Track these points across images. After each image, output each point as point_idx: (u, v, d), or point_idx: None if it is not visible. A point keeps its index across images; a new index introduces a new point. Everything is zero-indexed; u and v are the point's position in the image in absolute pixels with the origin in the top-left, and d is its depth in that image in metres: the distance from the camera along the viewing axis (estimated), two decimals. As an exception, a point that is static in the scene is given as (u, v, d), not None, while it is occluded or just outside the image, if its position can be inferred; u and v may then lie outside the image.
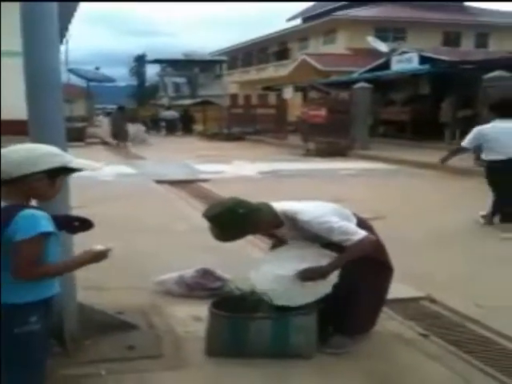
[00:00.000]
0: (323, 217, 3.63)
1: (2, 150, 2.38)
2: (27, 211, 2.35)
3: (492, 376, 3.50)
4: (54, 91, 3.57)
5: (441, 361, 3.68)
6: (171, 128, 36.37)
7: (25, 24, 3.46)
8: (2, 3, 15.51)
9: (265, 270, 3.78)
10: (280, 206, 3.74)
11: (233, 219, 3.54)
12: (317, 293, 3.65)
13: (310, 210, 3.70)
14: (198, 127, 36.83)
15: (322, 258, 3.65)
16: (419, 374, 3.53)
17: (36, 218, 2.35)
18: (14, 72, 14.51)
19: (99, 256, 2.57)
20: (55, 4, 3.53)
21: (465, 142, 8.02)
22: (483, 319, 4.38)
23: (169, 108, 42.03)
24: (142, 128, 28.60)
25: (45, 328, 2.53)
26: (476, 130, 7.95)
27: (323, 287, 3.64)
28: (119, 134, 25.05)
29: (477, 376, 3.52)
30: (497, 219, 7.96)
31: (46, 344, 2.60)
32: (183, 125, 37.03)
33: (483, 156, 8.01)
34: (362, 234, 3.62)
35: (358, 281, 3.69)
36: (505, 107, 7.96)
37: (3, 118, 19.22)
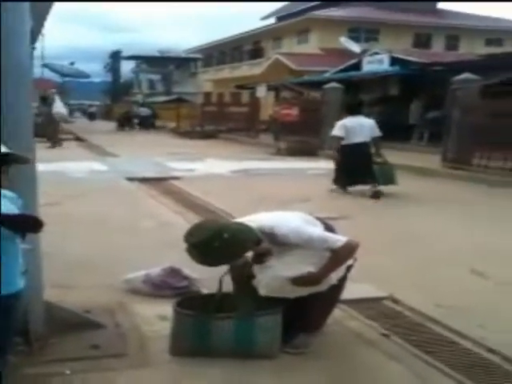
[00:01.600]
0: (300, 228, 3.67)
1: None
2: None
3: (450, 376, 3.58)
4: (22, 87, 3.58)
5: (401, 361, 3.76)
6: (145, 124, 36.89)
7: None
8: None
9: (269, 270, 3.73)
10: (253, 223, 3.70)
11: (218, 246, 3.43)
12: (311, 289, 3.70)
13: (285, 222, 3.71)
14: (168, 124, 36.97)
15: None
16: (379, 374, 3.60)
17: None
18: None
19: None
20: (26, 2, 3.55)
21: (335, 133, 10.86)
22: (443, 319, 4.48)
23: (142, 105, 42.16)
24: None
25: None
26: (340, 123, 10.85)
27: (320, 285, 3.70)
28: (47, 132, 20.90)
29: (435, 376, 3.60)
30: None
31: None
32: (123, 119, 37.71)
33: (341, 142, 10.72)
34: (342, 240, 3.67)
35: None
36: (351, 108, 11.17)
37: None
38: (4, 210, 2.53)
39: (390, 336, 4.15)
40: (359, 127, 10.67)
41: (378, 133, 10.91)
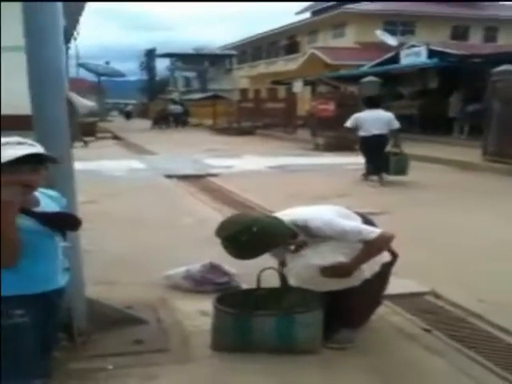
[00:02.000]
0: (333, 220, 3.67)
1: None
2: None
3: (493, 371, 3.55)
4: (57, 87, 3.61)
5: (443, 356, 3.72)
6: (176, 122, 37.59)
7: (26, 18, 3.49)
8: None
9: (301, 259, 3.72)
10: (287, 216, 3.72)
11: (248, 240, 3.49)
12: (344, 283, 3.69)
13: (318, 215, 3.72)
14: (205, 121, 37.13)
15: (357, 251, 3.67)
16: (421, 369, 3.57)
17: None
18: (18, 66, 14.61)
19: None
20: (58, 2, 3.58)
21: (347, 124, 11.85)
22: (486, 314, 4.42)
23: (175, 103, 42.51)
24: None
25: (34, 322, 2.56)
26: (353, 116, 11.78)
27: (351, 280, 3.68)
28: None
29: (478, 371, 3.56)
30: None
31: (39, 338, 2.62)
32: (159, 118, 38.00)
33: (358, 133, 11.74)
34: (376, 231, 3.66)
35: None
36: (369, 102, 12.03)
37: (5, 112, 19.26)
38: (46, 209, 2.58)
39: (431, 331, 4.12)
40: (374, 120, 11.39)
41: (396, 125, 11.53)
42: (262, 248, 3.61)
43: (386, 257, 3.82)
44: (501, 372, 3.54)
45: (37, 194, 2.63)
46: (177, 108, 39.51)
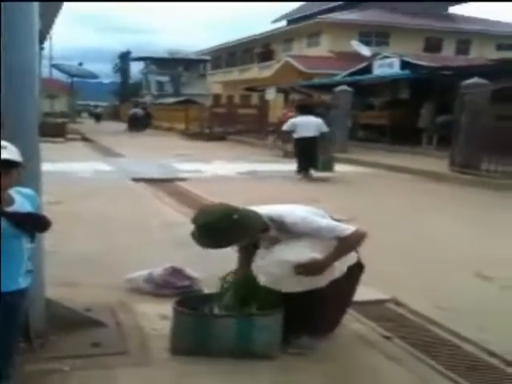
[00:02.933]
0: (308, 217, 3.70)
1: None
2: None
3: (451, 379, 3.58)
4: (28, 87, 3.60)
5: (401, 363, 3.75)
6: (136, 125, 36.89)
7: (3, 17, 3.44)
8: None
9: (273, 255, 3.70)
10: (263, 211, 3.73)
11: (228, 226, 3.48)
12: (310, 284, 3.67)
13: (293, 212, 3.75)
14: (169, 125, 37.06)
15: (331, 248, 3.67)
16: (379, 376, 3.59)
17: None
18: None
19: None
20: (35, 3, 3.56)
21: (284, 127, 14.25)
22: (444, 321, 4.47)
23: (136, 105, 42.61)
24: None
25: None
26: (290, 121, 14.25)
27: (319, 280, 3.67)
28: None
29: (437, 378, 3.59)
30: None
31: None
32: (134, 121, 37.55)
33: (293, 136, 13.80)
34: (350, 228, 3.69)
35: (335, 282, 3.73)
36: (301, 109, 14.99)
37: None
38: (19, 209, 2.56)
39: (392, 338, 4.14)
40: (307, 124, 13.59)
41: (325, 129, 13.78)
42: (238, 237, 3.61)
43: (353, 258, 3.84)
44: (458, 379, 3.57)
45: (12, 192, 2.63)
46: (137, 111, 39.28)
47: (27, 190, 2.82)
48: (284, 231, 3.70)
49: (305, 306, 3.74)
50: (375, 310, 4.73)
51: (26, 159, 3.50)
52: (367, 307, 4.71)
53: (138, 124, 36.73)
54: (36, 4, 3.60)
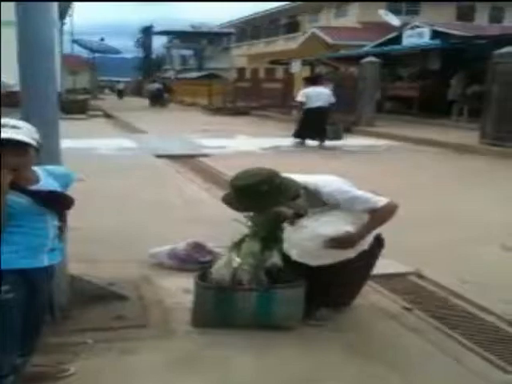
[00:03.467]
0: (343, 187, 3.70)
1: None
2: None
3: (471, 349, 3.58)
4: (46, 63, 3.59)
5: (421, 334, 3.76)
6: (154, 100, 36.69)
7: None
8: None
9: (305, 230, 3.71)
10: (298, 179, 3.74)
11: (267, 190, 3.50)
12: (339, 255, 3.68)
13: (329, 181, 3.75)
14: (191, 100, 36.84)
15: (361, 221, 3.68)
16: (398, 346, 3.60)
17: None
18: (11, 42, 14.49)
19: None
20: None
21: (298, 98, 14.66)
22: (467, 294, 4.45)
23: (154, 81, 42.34)
24: None
25: (20, 299, 2.60)
26: (302, 91, 14.61)
27: (348, 251, 3.68)
28: None
29: (454, 347, 3.60)
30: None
31: (25, 315, 2.66)
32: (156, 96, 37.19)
33: (305, 106, 14.21)
34: (383, 200, 3.69)
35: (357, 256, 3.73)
36: (310, 81, 15.39)
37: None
38: (45, 187, 2.62)
39: (412, 310, 4.14)
40: (318, 95, 14.15)
41: (332, 100, 14.48)
42: (275, 201, 3.61)
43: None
44: (478, 350, 3.58)
45: (39, 171, 2.69)
46: (153, 86, 38.89)
47: (58, 169, 2.89)
48: (315, 201, 3.70)
49: (332, 279, 3.73)
50: (397, 282, 4.74)
51: (44, 137, 3.54)
52: (389, 280, 4.74)
53: (159, 99, 36.45)
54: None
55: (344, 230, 3.61)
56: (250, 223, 3.91)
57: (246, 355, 3.43)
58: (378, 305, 4.20)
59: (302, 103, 14.41)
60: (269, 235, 3.82)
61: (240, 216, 3.92)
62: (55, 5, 22.79)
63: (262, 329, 3.66)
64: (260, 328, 3.67)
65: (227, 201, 3.68)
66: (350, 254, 3.69)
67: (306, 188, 3.70)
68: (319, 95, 14.17)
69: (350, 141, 16.15)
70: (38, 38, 3.52)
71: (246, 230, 3.91)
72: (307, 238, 3.66)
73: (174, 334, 3.68)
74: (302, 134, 14.65)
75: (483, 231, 6.45)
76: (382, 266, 4.66)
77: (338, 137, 14.42)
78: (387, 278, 4.73)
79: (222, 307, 3.70)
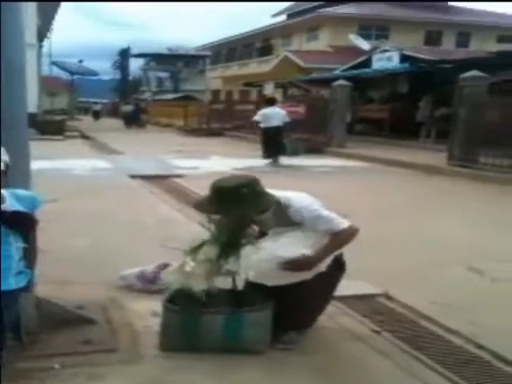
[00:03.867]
0: (313, 205, 3.73)
1: None
2: None
3: (437, 371, 3.59)
4: (18, 85, 3.61)
5: (389, 357, 3.76)
6: (128, 122, 37.17)
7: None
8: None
9: (264, 252, 3.70)
10: (273, 192, 3.78)
11: (248, 193, 3.56)
12: (294, 277, 3.68)
13: (301, 198, 3.78)
14: (167, 121, 36.99)
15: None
16: (365, 369, 3.60)
17: None
18: None
19: None
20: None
21: (255, 117, 15.95)
22: (436, 316, 4.48)
23: (128, 103, 42.91)
24: None
25: None
26: (260, 112, 15.78)
27: (303, 273, 3.68)
28: None
29: (422, 371, 3.60)
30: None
31: None
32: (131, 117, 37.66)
33: (261, 125, 15.57)
34: (346, 222, 3.72)
35: (314, 277, 3.73)
36: (268, 102, 16.33)
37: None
38: (8, 208, 2.60)
39: (380, 332, 4.16)
40: (274, 115, 15.37)
41: (287, 119, 15.54)
42: (249, 207, 3.63)
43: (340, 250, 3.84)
44: (447, 373, 3.58)
45: (4, 192, 2.66)
46: (127, 108, 39.48)
47: (24, 192, 2.87)
48: (282, 218, 3.72)
49: (291, 300, 3.74)
50: (366, 304, 4.75)
51: (14, 157, 3.53)
52: (357, 301, 4.75)
53: (135, 120, 36.71)
54: (20, 3, 3.60)
55: (300, 252, 3.62)
56: (211, 228, 3.91)
57: (211, 379, 3.41)
58: (346, 327, 4.21)
59: (257, 122, 15.82)
60: (230, 241, 3.81)
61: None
62: (32, 26, 22.74)
63: (230, 352, 3.65)
64: (228, 352, 3.65)
65: (198, 204, 3.80)
66: (306, 275, 3.70)
67: (278, 202, 3.73)
68: (275, 115, 15.39)
69: (322, 161, 16.32)
70: (7, 59, 3.52)
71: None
72: (264, 259, 3.66)
73: (141, 358, 3.65)
74: (271, 153, 15.59)
75: (451, 252, 6.51)
76: (351, 286, 4.70)
77: (296, 153, 16.45)
78: (355, 300, 4.74)
79: (189, 330, 3.67)
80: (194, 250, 3.83)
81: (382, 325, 4.30)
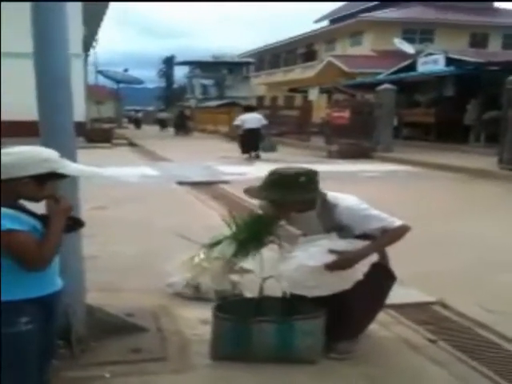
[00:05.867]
0: (361, 204, 3.67)
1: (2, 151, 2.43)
2: None
3: (496, 382, 3.48)
4: (63, 93, 3.60)
5: (445, 366, 3.66)
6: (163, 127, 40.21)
7: (35, 25, 3.49)
8: (3, 3, 15.68)
9: (292, 261, 3.68)
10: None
11: (305, 181, 3.58)
12: (335, 287, 3.61)
13: (349, 198, 3.73)
14: (213, 127, 37.30)
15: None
16: (421, 379, 3.51)
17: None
18: (19, 73, 14.77)
19: (66, 210, 2.56)
20: (65, 5, 3.57)
21: (236, 122, 19.80)
22: (493, 324, 4.34)
23: (162, 110, 44.92)
24: None
25: (39, 329, 2.51)
26: (239, 117, 19.75)
27: (343, 282, 3.60)
28: None
29: (481, 382, 3.49)
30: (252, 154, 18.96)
31: (41, 345, 2.56)
32: (178, 124, 38.35)
33: (242, 127, 18.97)
34: (398, 221, 3.65)
35: (360, 285, 3.62)
36: (247, 108, 21.09)
37: (7, 119, 19.95)
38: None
39: (436, 341, 4.04)
40: (252, 119, 19.03)
41: (264, 122, 19.38)
42: (304, 195, 3.61)
43: (374, 256, 3.71)
44: (504, 383, 3.46)
45: None
46: (162, 115, 41.84)
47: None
48: (326, 217, 3.66)
49: (339, 309, 3.67)
50: (420, 312, 4.63)
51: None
52: (412, 309, 4.63)
53: (182, 128, 37.35)
54: (66, 10, 3.59)
55: (329, 260, 3.53)
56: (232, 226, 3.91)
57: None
58: (400, 336, 4.11)
59: (237, 126, 19.47)
60: (249, 237, 3.79)
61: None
62: (77, 36, 23.15)
63: (282, 362, 3.58)
64: (279, 361, 3.58)
65: (249, 189, 3.78)
66: (345, 284, 3.61)
67: (324, 200, 3.67)
68: (253, 119, 19.03)
69: (368, 166, 16.14)
70: (54, 69, 3.54)
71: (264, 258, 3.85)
72: (293, 269, 3.62)
73: (192, 367, 3.61)
74: (246, 149, 19.03)
75: (505, 257, 6.34)
76: (404, 294, 4.61)
77: (272, 149, 18.94)
78: (409, 308, 4.63)
79: (240, 339, 3.61)
80: (211, 246, 3.78)
81: (438, 334, 4.19)
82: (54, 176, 2.53)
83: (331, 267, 3.53)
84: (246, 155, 18.93)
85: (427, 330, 4.25)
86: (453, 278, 5.56)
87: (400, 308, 4.51)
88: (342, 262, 3.54)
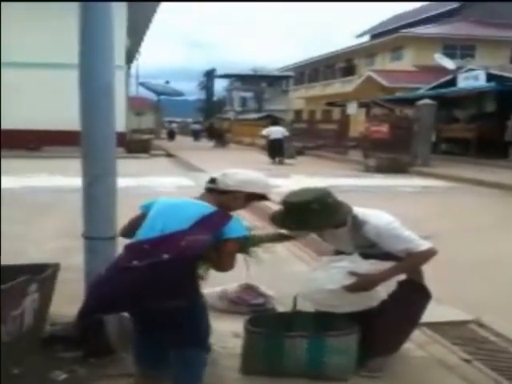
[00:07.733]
0: (392, 223, 3.56)
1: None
2: (237, 216, 2.95)
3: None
4: (106, 103, 3.65)
5: (481, 388, 3.56)
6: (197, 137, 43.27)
7: (82, 36, 3.55)
8: (3, 3, 15.93)
9: (313, 284, 3.66)
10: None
11: (319, 209, 3.45)
12: (359, 305, 3.56)
13: (380, 215, 3.63)
14: (250, 140, 37.35)
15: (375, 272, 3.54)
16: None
17: (242, 224, 2.99)
18: (64, 84, 15.07)
19: None
20: (112, 16, 3.62)
21: (263, 132, 24.56)
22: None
23: (197, 122, 46.96)
24: None
25: None
26: (266, 129, 24.55)
27: (369, 299, 3.55)
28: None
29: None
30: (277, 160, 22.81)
31: None
32: (210, 136, 40.87)
33: (268, 138, 23.52)
34: (426, 244, 3.53)
35: (389, 303, 3.56)
36: (273, 122, 28.67)
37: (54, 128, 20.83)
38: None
39: (471, 361, 3.93)
40: (276, 131, 23.58)
41: (286, 134, 23.90)
42: (324, 221, 3.51)
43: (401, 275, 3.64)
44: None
45: None
46: (195, 126, 45.23)
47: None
48: (357, 234, 3.59)
49: (368, 328, 3.60)
50: (456, 331, 4.53)
51: (102, 174, 3.57)
52: (448, 328, 4.54)
53: (217, 140, 37.71)
54: (113, 22, 3.63)
55: (348, 282, 3.48)
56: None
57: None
58: (435, 355, 4.01)
59: (264, 136, 23.85)
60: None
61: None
62: (121, 48, 23.50)
63: (313, 379, 3.51)
64: (310, 378, 3.52)
65: (274, 219, 3.72)
66: (371, 302, 3.55)
67: (354, 217, 3.59)
68: (277, 131, 23.44)
69: (406, 181, 15.95)
70: (98, 79, 3.59)
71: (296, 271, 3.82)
72: (314, 292, 3.61)
73: (222, 381, 3.57)
74: (272, 155, 22.94)
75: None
76: (441, 313, 4.52)
77: (292, 157, 23.56)
78: (445, 326, 4.54)
79: (272, 354, 3.56)
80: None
81: (474, 353, 4.09)
82: (258, 197, 3.13)
83: (350, 289, 3.49)
84: (271, 160, 22.61)
85: (463, 349, 4.15)
86: (490, 296, 5.44)
87: (436, 326, 4.42)
88: (361, 284, 3.48)
